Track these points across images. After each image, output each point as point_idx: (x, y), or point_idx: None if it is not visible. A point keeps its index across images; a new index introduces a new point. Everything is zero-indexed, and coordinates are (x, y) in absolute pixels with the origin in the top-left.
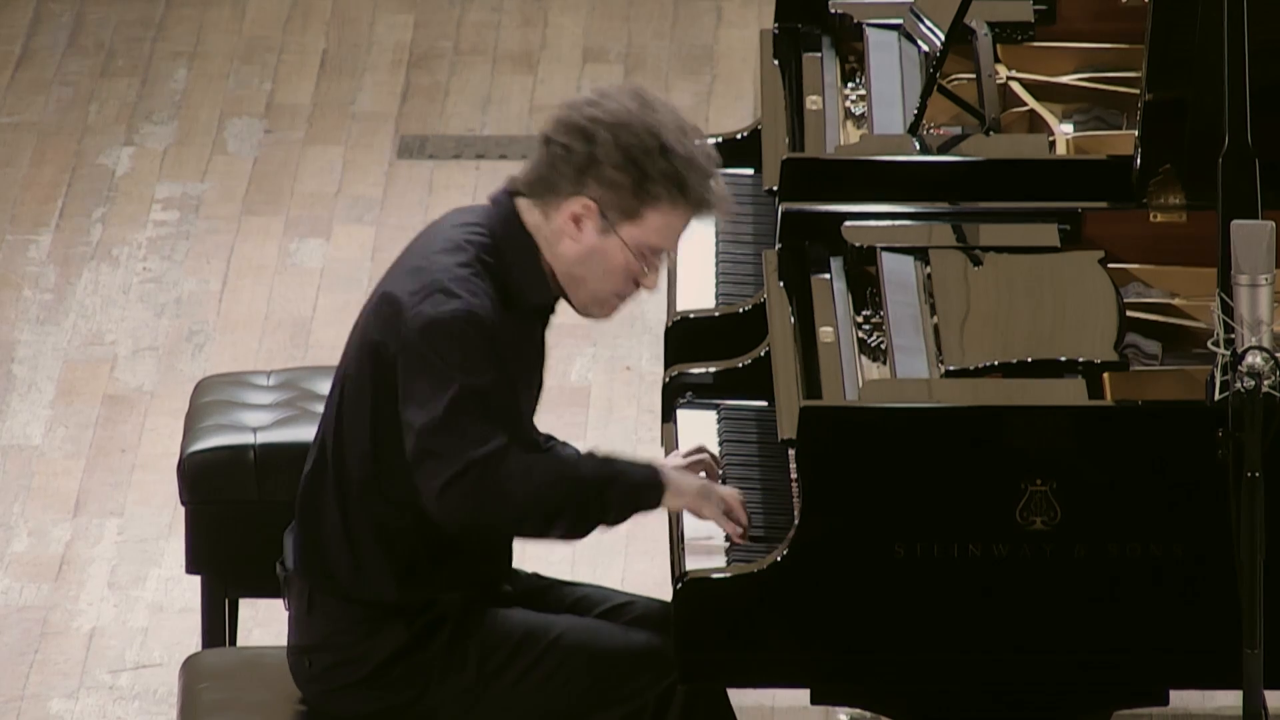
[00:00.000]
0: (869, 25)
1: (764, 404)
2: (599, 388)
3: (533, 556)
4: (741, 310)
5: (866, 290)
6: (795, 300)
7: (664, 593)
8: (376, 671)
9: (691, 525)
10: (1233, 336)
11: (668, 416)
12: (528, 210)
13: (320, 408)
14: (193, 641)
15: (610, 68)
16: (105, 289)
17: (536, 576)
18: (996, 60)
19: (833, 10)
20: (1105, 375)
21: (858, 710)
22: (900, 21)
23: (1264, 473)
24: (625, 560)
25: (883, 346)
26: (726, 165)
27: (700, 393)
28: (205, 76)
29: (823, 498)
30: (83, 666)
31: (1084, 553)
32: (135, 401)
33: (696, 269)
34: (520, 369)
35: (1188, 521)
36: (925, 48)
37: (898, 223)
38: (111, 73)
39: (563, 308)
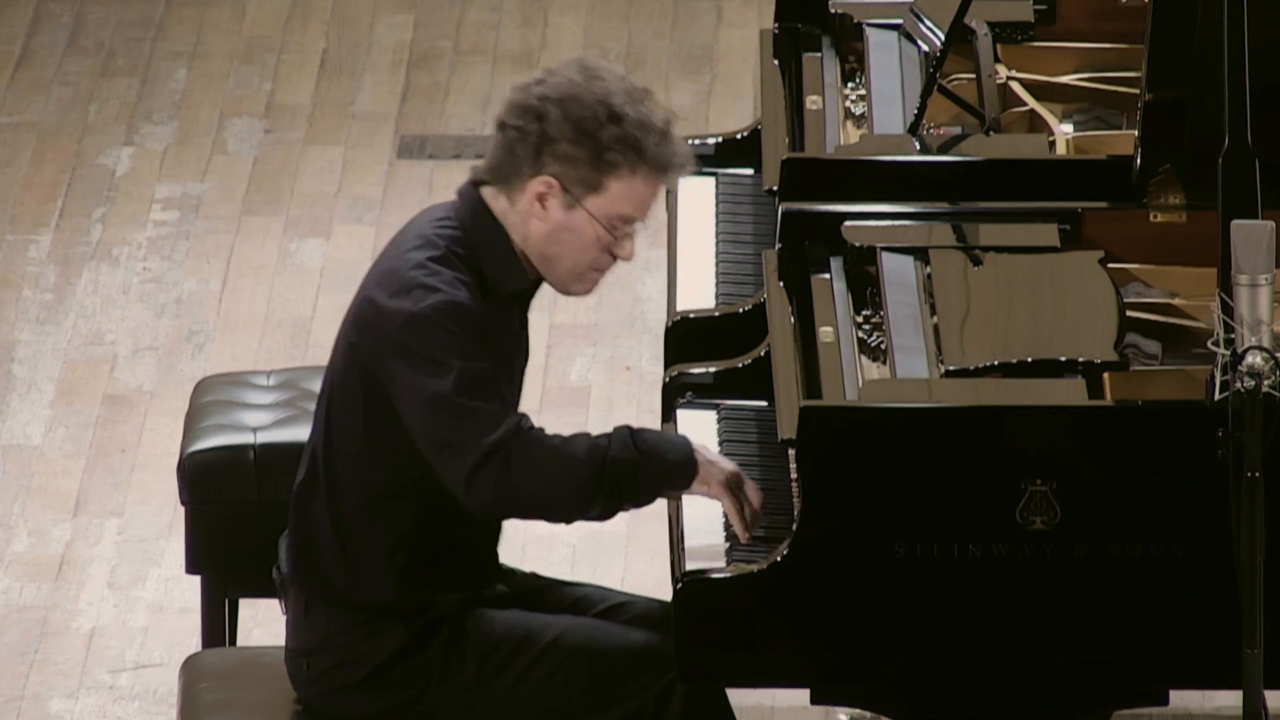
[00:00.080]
0: (869, 25)
1: (764, 404)
2: (599, 388)
3: (533, 557)
4: (741, 310)
5: (866, 290)
6: (795, 300)
7: (664, 593)
8: (376, 672)
9: (691, 525)
10: (1233, 336)
11: (668, 416)
12: (493, 198)
13: None
14: (193, 641)
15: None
16: (105, 289)
17: (534, 576)
18: (996, 60)
19: (833, 10)
20: (1105, 375)
21: (858, 710)
22: (900, 21)
23: (1264, 473)
24: (625, 560)
25: (883, 346)
26: (726, 165)
27: (700, 393)
28: (205, 76)
29: (823, 498)
30: (83, 666)
31: (1084, 553)
32: (135, 401)
33: (696, 269)
34: (502, 353)
35: (1188, 521)
36: (925, 48)
37: (898, 223)
38: (111, 73)
39: (563, 307)
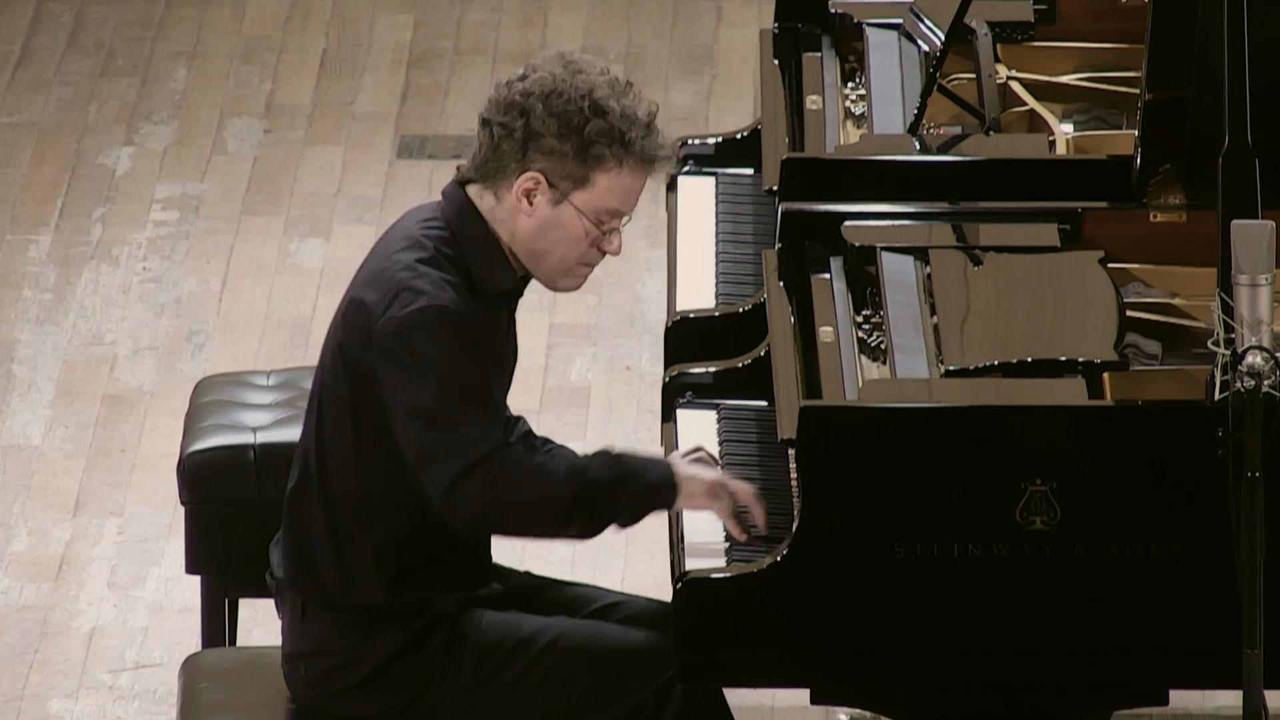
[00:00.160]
0: (869, 25)
1: (764, 404)
2: (599, 388)
3: (533, 556)
4: (741, 310)
5: (866, 290)
6: (795, 300)
7: (664, 593)
8: (374, 674)
9: (691, 526)
10: (1233, 336)
11: (668, 416)
12: (479, 196)
13: None
14: (192, 641)
15: (610, 68)
16: (105, 289)
17: (529, 575)
18: (996, 60)
19: (833, 10)
20: (1105, 375)
21: (858, 710)
22: (900, 21)
23: (1264, 473)
24: (625, 560)
25: (883, 346)
26: (726, 165)
27: (700, 393)
28: (205, 76)
29: (823, 498)
30: (83, 666)
31: (1084, 553)
32: (135, 401)
33: (696, 269)
34: (493, 355)
35: (1188, 521)
36: (925, 48)
37: (898, 223)
38: (111, 73)
39: (563, 307)
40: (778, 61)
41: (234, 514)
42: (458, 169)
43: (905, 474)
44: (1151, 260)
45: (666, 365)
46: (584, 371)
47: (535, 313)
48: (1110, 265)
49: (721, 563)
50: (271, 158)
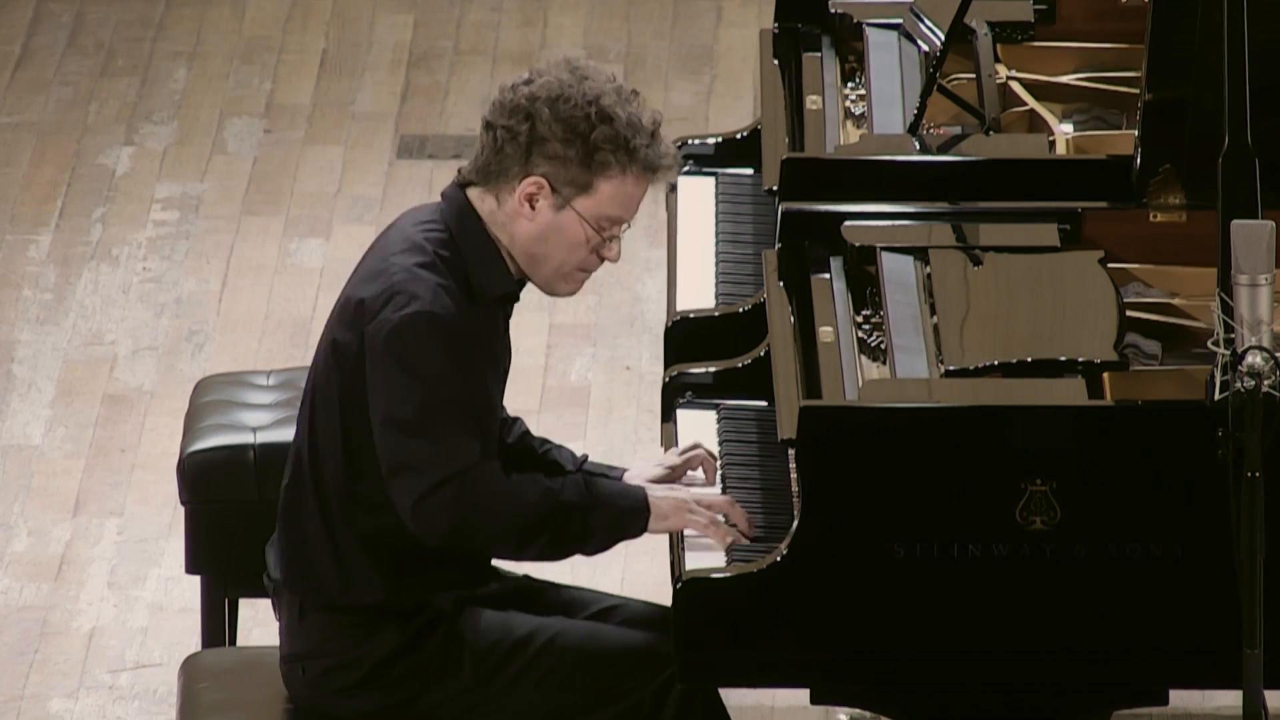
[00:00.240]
0: (869, 25)
1: (764, 404)
2: (599, 388)
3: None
4: (741, 310)
5: (866, 290)
6: (795, 300)
7: (664, 593)
8: (372, 673)
9: None
10: (1233, 336)
11: (667, 416)
12: (480, 199)
13: None
14: (192, 641)
15: (610, 68)
16: (105, 289)
17: (527, 579)
18: (996, 60)
19: (833, 10)
20: (1105, 375)
21: (858, 710)
22: (900, 21)
23: (1264, 473)
24: (625, 560)
25: (883, 346)
26: (726, 165)
27: (700, 393)
28: (205, 76)
29: (822, 498)
30: (82, 666)
31: (1084, 553)
32: (135, 401)
33: (696, 269)
34: (486, 360)
35: (1188, 521)
36: (925, 48)
37: (898, 223)
38: (111, 73)
39: (563, 307)
40: (778, 61)
41: (234, 514)
42: (459, 171)
43: (905, 474)
44: (1151, 260)
45: (666, 365)
46: (584, 371)
47: (535, 313)
48: (1110, 265)
49: (721, 563)
50: (271, 158)
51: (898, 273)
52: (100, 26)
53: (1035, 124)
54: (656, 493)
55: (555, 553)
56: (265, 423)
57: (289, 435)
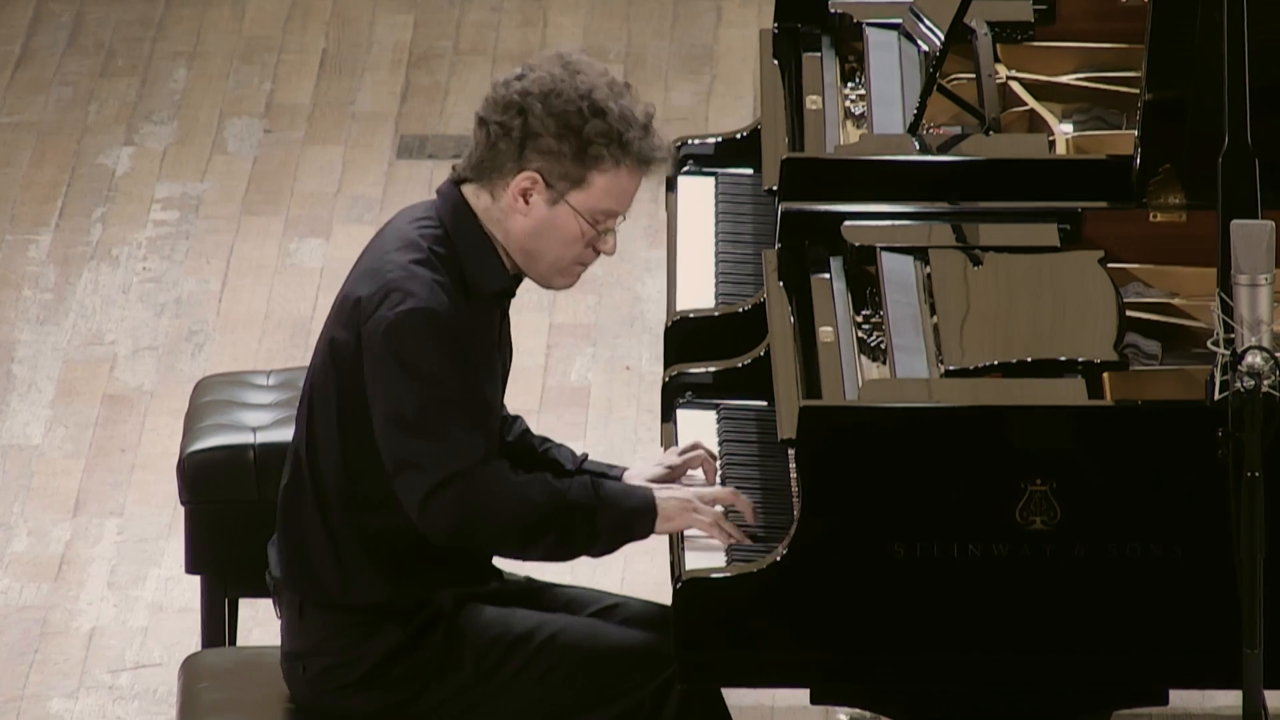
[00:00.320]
0: (869, 25)
1: (764, 404)
2: (599, 388)
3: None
4: (741, 310)
5: (866, 290)
6: (795, 300)
7: (664, 593)
8: (373, 672)
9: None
10: (1233, 336)
11: (667, 416)
12: (474, 195)
13: None
14: (192, 641)
15: (610, 67)
16: (105, 289)
17: (528, 580)
18: (996, 60)
19: (833, 10)
20: (1105, 375)
21: (858, 710)
22: (900, 21)
23: (1264, 473)
24: (625, 560)
25: (883, 346)
26: (726, 165)
27: (700, 392)
28: (205, 76)
29: (822, 498)
30: (82, 666)
31: (1084, 553)
32: (135, 401)
33: (696, 269)
34: (484, 357)
35: (1188, 521)
36: (925, 47)
37: (897, 223)
38: (111, 73)
39: (563, 307)
40: (778, 61)
41: (234, 514)
42: (453, 168)
43: (905, 474)
44: (1151, 260)
45: (666, 365)
46: (584, 371)
47: (535, 313)
48: (1110, 265)
49: (721, 562)
50: (271, 158)
51: (898, 273)
52: (100, 26)
53: (1035, 124)
54: (661, 494)
55: (561, 553)
56: (265, 423)
57: (289, 435)
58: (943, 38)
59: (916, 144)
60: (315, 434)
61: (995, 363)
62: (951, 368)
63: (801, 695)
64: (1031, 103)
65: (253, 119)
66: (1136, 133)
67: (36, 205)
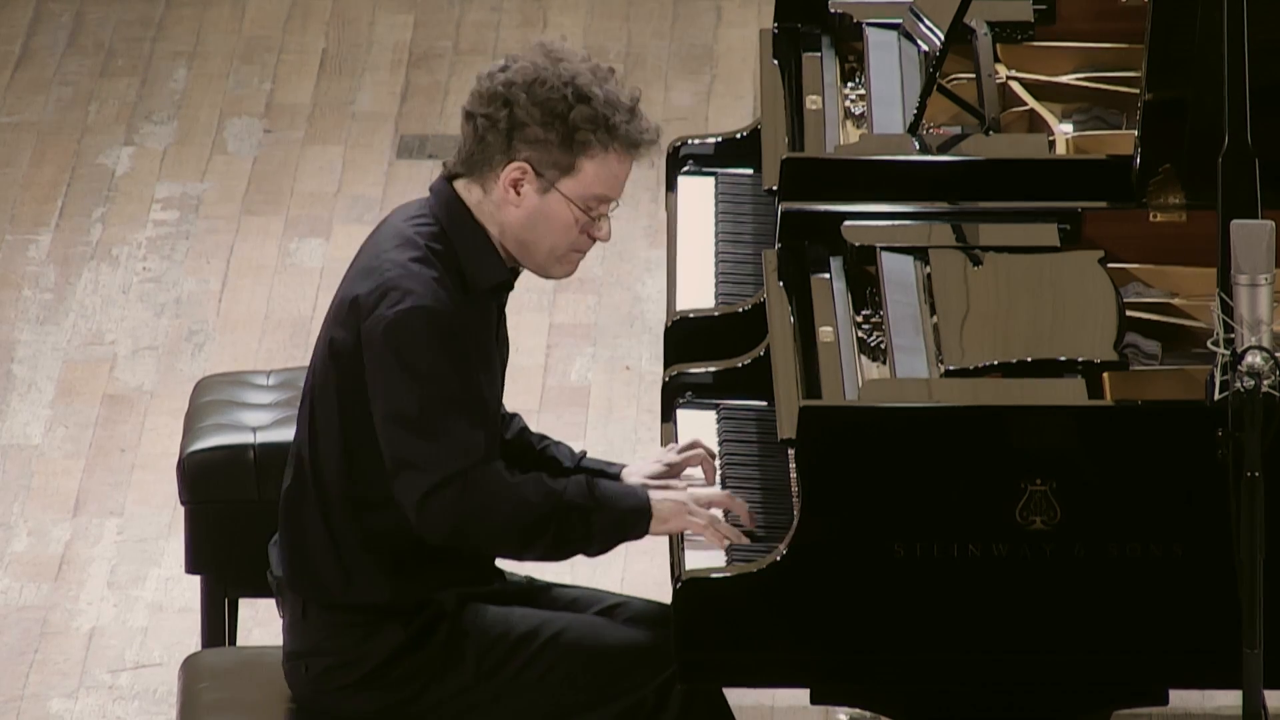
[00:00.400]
0: (869, 25)
1: (764, 404)
2: (599, 388)
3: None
4: (741, 310)
5: (866, 290)
6: (795, 300)
7: (664, 592)
8: (375, 671)
9: None
10: (1233, 336)
11: (667, 416)
12: (466, 190)
13: None
14: (192, 641)
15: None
16: (105, 289)
17: (530, 580)
18: (996, 60)
19: (833, 10)
20: (1105, 375)
21: (858, 710)
22: (900, 21)
23: (1264, 473)
24: (625, 560)
25: (882, 346)
26: (726, 165)
27: (700, 392)
28: (205, 76)
29: (822, 498)
30: (82, 666)
31: (1084, 553)
32: (135, 401)
33: (696, 269)
34: (483, 354)
35: (1188, 521)
36: (925, 47)
37: (897, 222)
38: (111, 73)
39: (563, 307)
40: (778, 61)
41: (234, 514)
42: (444, 164)
43: (905, 474)
44: (1151, 260)
45: (666, 365)
46: (584, 371)
47: (535, 313)
48: (1110, 265)
49: (721, 562)
50: (271, 158)
51: (898, 273)
52: (100, 26)
53: (1035, 124)
54: (656, 495)
55: (557, 553)
56: (265, 423)
57: (289, 435)
58: (943, 38)
59: (916, 144)
60: (316, 434)
61: (995, 363)
62: (951, 368)
63: (801, 695)
64: (1031, 103)
65: (253, 119)
66: (1136, 133)
67: (36, 205)
